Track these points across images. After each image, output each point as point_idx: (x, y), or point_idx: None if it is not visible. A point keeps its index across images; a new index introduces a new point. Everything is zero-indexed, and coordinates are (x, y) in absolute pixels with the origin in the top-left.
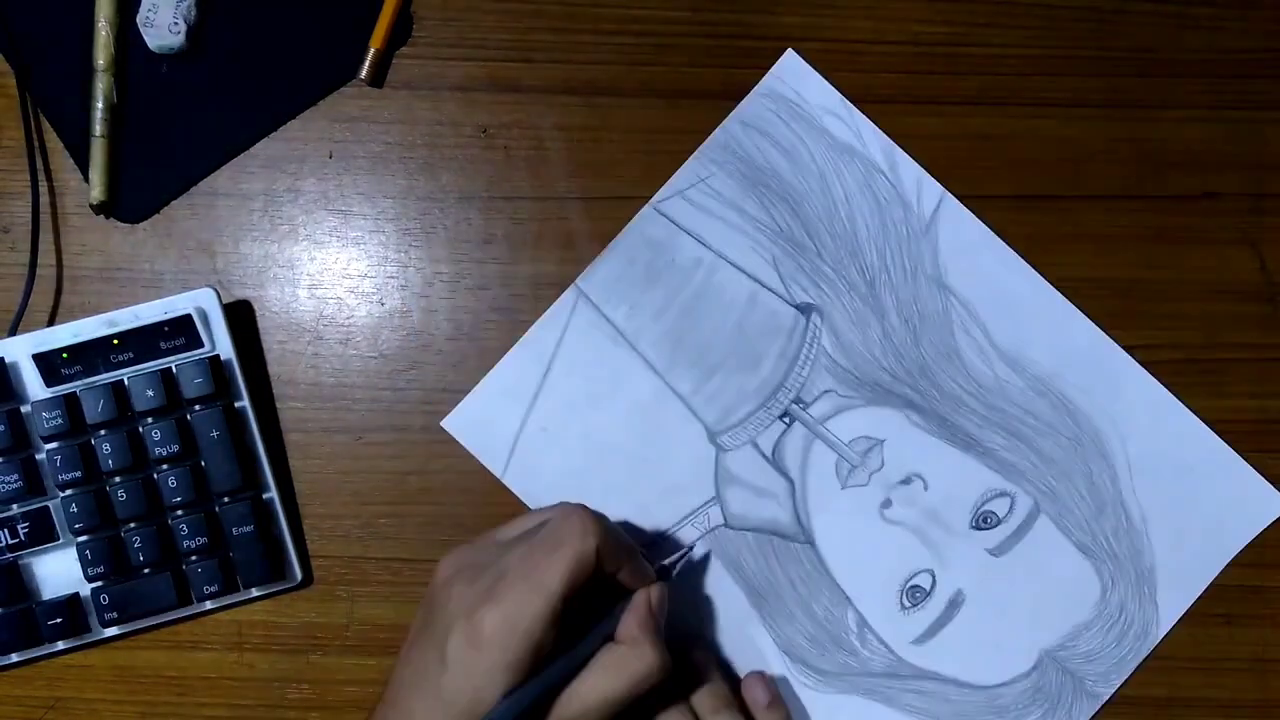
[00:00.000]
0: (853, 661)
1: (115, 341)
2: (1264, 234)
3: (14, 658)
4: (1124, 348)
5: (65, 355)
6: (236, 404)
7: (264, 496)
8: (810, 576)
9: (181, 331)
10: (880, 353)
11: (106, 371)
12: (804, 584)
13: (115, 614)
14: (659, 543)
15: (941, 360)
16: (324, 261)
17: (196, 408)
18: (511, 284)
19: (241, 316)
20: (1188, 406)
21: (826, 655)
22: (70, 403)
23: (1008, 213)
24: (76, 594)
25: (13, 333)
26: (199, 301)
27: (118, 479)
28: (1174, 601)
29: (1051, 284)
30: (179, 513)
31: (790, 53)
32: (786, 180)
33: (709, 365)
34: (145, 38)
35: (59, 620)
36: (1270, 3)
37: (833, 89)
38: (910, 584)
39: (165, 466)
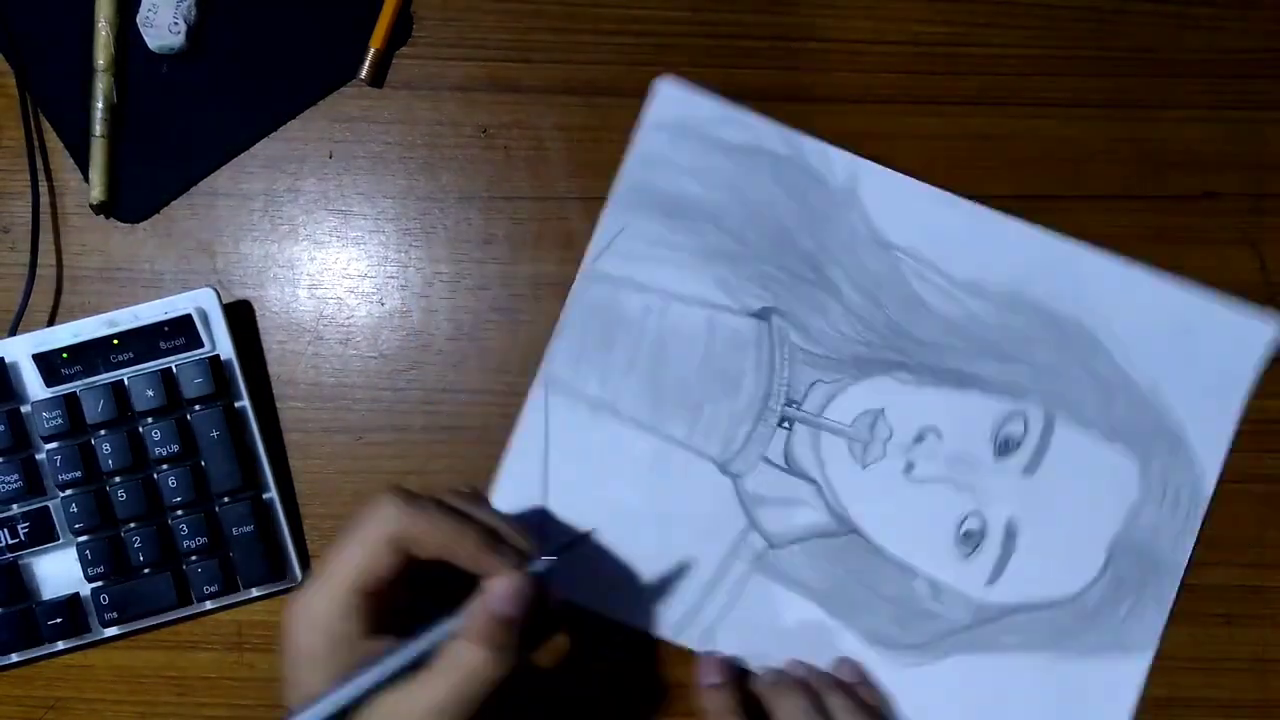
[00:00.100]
0: (940, 625)
1: (115, 341)
2: (1264, 234)
3: (14, 658)
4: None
5: (65, 355)
6: (236, 404)
7: (264, 496)
8: (868, 563)
9: (181, 331)
10: (848, 328)
11: (106, 371)
12: (865, 573)
13: (115, 614)
14: (715, 586)
15: (908, 313)
16: (324, 261)
17: (196, 408)
18: (511, 284)
19: (241, 316)
20: (1150, 270)
21: (913, 629)
22: (70, 403)
23: (1008, 213)
24: (76, 594)
25: (13, 333)
26: (199, 301)
27: (118, 479)
28: (1212, 451)
29: (980, 202)
30: (179, 513)
31: (661, 79)
32: (702, 199)
33: (694, 402)
34: (145, 38)
35: (59, 620)
36: (1270, 3)
37: (715, 99)
38: (962, 531)
39: (165, 466)
